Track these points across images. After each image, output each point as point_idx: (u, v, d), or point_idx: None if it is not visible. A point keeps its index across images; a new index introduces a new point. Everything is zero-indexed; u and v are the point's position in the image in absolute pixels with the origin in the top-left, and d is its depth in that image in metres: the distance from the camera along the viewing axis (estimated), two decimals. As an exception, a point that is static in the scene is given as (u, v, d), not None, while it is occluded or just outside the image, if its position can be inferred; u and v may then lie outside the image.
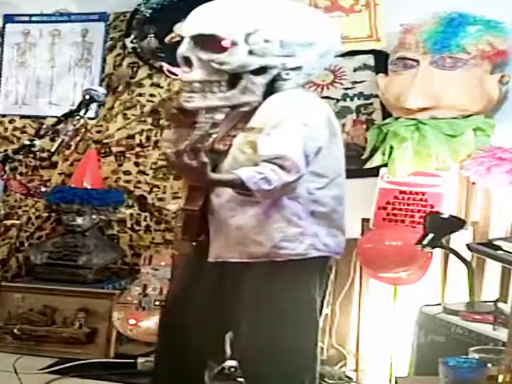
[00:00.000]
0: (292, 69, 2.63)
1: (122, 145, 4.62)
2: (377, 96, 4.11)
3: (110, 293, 4.32)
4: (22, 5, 4.80)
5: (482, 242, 3.21)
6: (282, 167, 2.44)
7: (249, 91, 2.61)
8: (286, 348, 2.63)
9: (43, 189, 4.63)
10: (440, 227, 3.30)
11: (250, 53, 2.59)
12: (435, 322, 3.14)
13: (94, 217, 4.50)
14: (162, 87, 4.56)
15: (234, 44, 2.59)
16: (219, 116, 2.46)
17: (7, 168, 4.54)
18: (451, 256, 3.52)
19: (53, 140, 2.76)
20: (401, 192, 3.80)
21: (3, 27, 4.85)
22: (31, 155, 2.84)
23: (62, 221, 4.56)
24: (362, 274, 3.94)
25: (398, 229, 3.75)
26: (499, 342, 2.74)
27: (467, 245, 3.10)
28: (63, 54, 4.76)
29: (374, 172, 3.88)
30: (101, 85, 4.51)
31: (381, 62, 4.07)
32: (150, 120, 4.61)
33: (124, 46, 4.63)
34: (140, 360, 3.97)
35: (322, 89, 4.24)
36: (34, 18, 4.81)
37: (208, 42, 2.62)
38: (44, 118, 4.68)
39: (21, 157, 2.88)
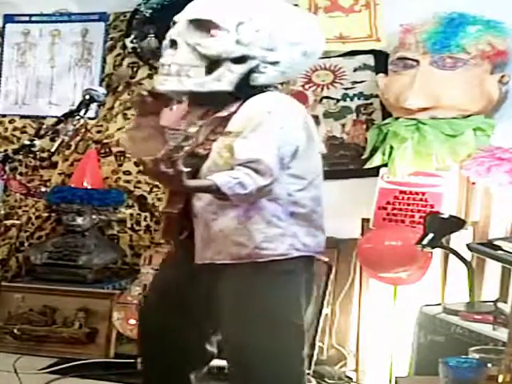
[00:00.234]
0: (271, 63, 2.66)
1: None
2: (377, 96, 4.11)
3: (109, 293, 4.32)
4: (22, 5, 4.80)
5: (482, 242, 3.21)
6: (256, 171, 2.48)
7: (224, 79, 2.63)
8: (268, 348, 2.64)
9: (43, 189, 4.63)
10: (440, 227, 3.30)
11: (237, 42, 2.64)
12: (435, 322, 3.14)
13: (93, 217, 4.50)
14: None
15: (224, 30, 2.63)
16: (192, 129, 2.49)
17: (7, 168, 4.58)
18: (451, 256, 3.53)
19: (53, 140, 2.75)
20: (401, 192, 3.81)
21: (3, 27, 4.85)
22: (31, 155, 2.83)
23: (62, 221, 4.56)
24: (362, 273, 3.94)
25: (398, 229, 3.75)
26: (499, 342, 2.74)
27: (467, 245, 3.10)
28: (63, 54, 4.76)
29: (374, 172, 3.89)
30: (101, 85, 4.51)
31: (381, 61, 4.07)
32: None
33: (124, 46, 4.63)
34: (140, 360, 3.96)
35: (322, 89, 4.24)
36: (33, 18, 4.81)
37: (200, 27, 2.66)
38: (44, 118, 4.68)
39: (21, 157, 2.87)
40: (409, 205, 3.78)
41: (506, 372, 2.07)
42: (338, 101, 4.23)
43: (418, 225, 3.64)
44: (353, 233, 4.00)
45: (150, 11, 4.52)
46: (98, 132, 4.66)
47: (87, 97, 2.80)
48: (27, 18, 4.82)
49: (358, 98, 4.21)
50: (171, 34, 2.70)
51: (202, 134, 2.70)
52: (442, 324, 3.11)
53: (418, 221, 3.70)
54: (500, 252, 2.86)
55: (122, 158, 4.65)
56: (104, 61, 4.70)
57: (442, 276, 3.71)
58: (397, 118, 3.85)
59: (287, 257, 2.67)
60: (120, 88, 4.65)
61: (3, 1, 4.78)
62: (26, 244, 4.75)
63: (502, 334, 2.83)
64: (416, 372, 3.16)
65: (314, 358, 3.92)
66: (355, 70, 4.20)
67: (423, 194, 3.76)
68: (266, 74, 2.67)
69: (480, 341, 2.86)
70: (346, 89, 4.22)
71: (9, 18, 4.84)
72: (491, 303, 3.18)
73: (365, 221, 3.92)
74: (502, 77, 3.78)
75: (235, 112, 2.67)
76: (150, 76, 4.57)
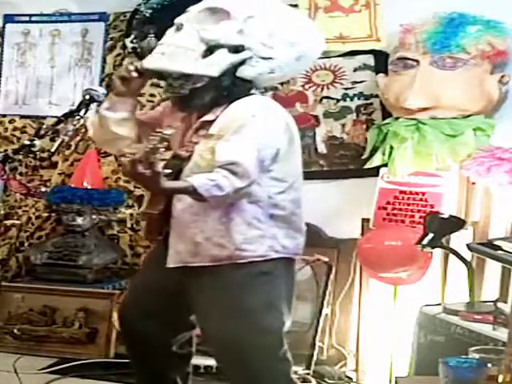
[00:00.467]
0: (264, 58, 2.69)
1: (121, 145, 4.61)
2: (377, 96, 4.11)
3: (109, 293, 4.32)
4: (22, 5, 4.80)
5: (482, 242, 3.21)
6: (233, 173, 2.52)
7: (214, 65, 2.66)
8: (244, 346, 2.69)
9: (43, 189, 4.63)
10: (440, 227, 3.30)
11: (239, 31, 2.68)
12: (435, 322, 3.14)
13: (93, 217, 4.50)
14: (162, 87, 4.54)
15: (234, 20, 2.69)
16: (168, 131, 2.52)
17: (7, 168, 4.59)
18: (451, 256, 3.53)
19: (53, 140, 2.75)
20: (401, 192, 3.81)
21: (3, 27, 4.85)
22: (31, 155, 2.84)
23: (62, 221, 4.56)
24: (362, 273, 3.94)
25: (398, 229, 3.75)
26: (499, 342, 2.74)
27: (467, 245, 3.10)
28: (63, 54, 4.76)
29: (374, 172, 3.89)
30: (101, 85, 4.51)
31: (381, 61, 4.07)
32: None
33: (124, 46, 4.63)
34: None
35: (322, 89, 4.24)
36: (34, 18, 4.81)
37: (211, 16, 2.72)
38: (44, 118, 4.68)
39: (21, 157, 2.88)
40: (409, 205, 3.78)
41: (506, 372, 2.07)
42: (338, 101, 4.23)
43: (418, 225, 3.64)
44: (353, 233, 4.00)
45: (150, 11, 4.51)
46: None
47: (87, 97, 2.81)
48: (27, 18, 4.82)
49: (358, 98, 4.21)
50: (180, 18, 2.75)
51: (184, 135, 2.75)
52: (442, 324, 3.11)
53: (418, 221, 3.70)
54: (500, 252, 2.86)
55: (122, 157, 4.64)
56: (104, 61, 4.70)
57: (442, 276, 3.71)
58: (397, 118, 3.85)
59: (266, 258, 2.71)
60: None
61: (3, 1, 4.78)
62: (26, 244, 4.75)
63: (502, 333, 2.83)
64: (416, 372, 3.16)
65: (314, 357, 3.92)
66: (355, 70, 4.20)
67: (423, 193, 3.76)
68: (255, 68, 2.70)
69: (480, 341, 2.86)
70: (346, 89, 4.22)
71: (9, 18, 4.84)
72: (491, 303, 3.18)
73: (365, 221, 3.92)
74: (502, 77, 3.78)
75: (219, 115, 2.70)
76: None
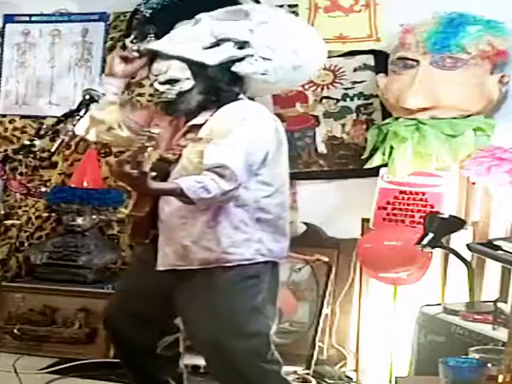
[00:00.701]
0: (263, 58, 2.72)
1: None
2: (377, 96, 4.11)
3: (109, 293, 4.31)
4: (22, 5, 4.80)
5: (482, 242, 3.21)
6: (221, 176, 2.54)
7: (215, 54, 2.71)
8: (232, 351, 2.71)
9: (43, 189, 4.63)
10: (440, 227, 3.30)
11: (250, 30, 2.74)
12: (435, 322, 3.14)
13: (93, 217, 4.50)
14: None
15: (249, 20, 2.76)
16: (155, 130, 2.54)
17: (7, 168, 4.59)
18: (451, 256, 3.52)
19: (53, 140, 2.75)
20: (401, 192, 3.80)
21: (3, 27, 4.84)
22: (31, 155, 2.84)
23: (62, 221, 4.56)
24: (361, 273, 3.94)
25: (398, 229, 3.75)
26: (499, 342, 2.74)
27: (467, 245, 3.10)
28: (63, 54, 4.75)
29: (374, 172, 3.88)
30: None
31: (381, 62, 4.07)
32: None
33: (124, 46, 4.62)
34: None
35: (322, 89, 4.24)
36: (34, 18, 4.80)
37: (233, 16, 2.82)
38: (44, 118, 4.68)
39: (21, 157, 2.88)
40: (409, 205, 3.78)
41: (506, 372, 2.07)
42: (337, 101, 4.23)
43: (418, 225, 3.64)
44: (353, 233, 4.00)
45: (150, 11, 4.51)
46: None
47: (87, 97, 2.81)
48: (27, 18, 4.81)
49: (358, 98, 4.21)
50: (201, 14, 2.84)
51: (172, 138, 2.79)
52: (442, 324, 3.11)
53: (418, 221, 3.69)
54: (500, 252, 2.86)
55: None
56: (104, 61, 4.69)
57: (442, 276, 3.70)
58: (397, 118, 3.85)
59: (252, 261, 2.73)
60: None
61: (3, 1, 4.77)
62: (26, 244, 4.75)
63: (501, 333, 2.83)
64: (416, 372, 3.16)
65: (314, 357, 3.92)
66: (355, 70, 4.20)
67: (423, 193, 3.75)
68: (252, 66, 2.73)
69: (480, 341, 2.86)
70: (346, 89, 4.22)
71: (9, 18, 4.84)
72: (491, 303, 3.17)
73: (365, 221, 3.92)
74: (502, 77, 3.78)
75: (208, 119, 2.73)
76: (150, 76, 4.56)
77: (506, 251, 2.83)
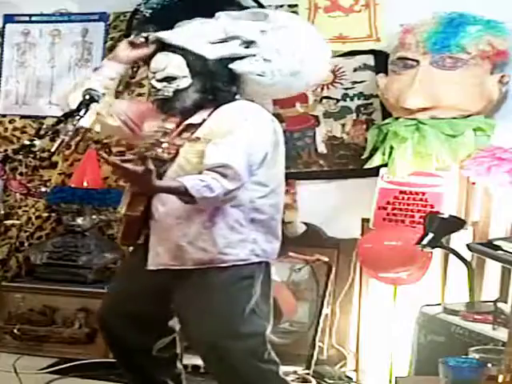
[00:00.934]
0: (264, 59, 2.73)
1: (121, 145, 4.61)
2: (377, 96, 4.11)
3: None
4: (22, 5, 4.79)
5: (482, 242, 3.21)
6: (223, 175, 2.54)
7: (214, 50, 2.72)
8: (228, 352, 2.71)
9: (43, 189, 4.63)
10: (440, 227, 3.30)
11: (263, 32, 2.75)
12: (435, 322, 3.14)
13: (93, 217, 4.50)
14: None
15: (265, 22, 2.78)
16: (170, 125, 2.53)
17: (7, 168, 4.59)
18: (451, 256, 3.52)
19: (53, 140, 2.75)
20: (401, 192, 3.80)
21: (3, 27, 4.84)
22: (31, 155, 2.84)
23: (62, 221, 4.56)
24: (361, 273, 3.94)
25: (398, 229, 3.75)
26: (499, 342, 2.74)
27: (467, 245, 3.10)
28: (63, 54, 4.75)
29: (374, 172, 3.88)
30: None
31: (381, 61, 4.07)
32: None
33: (124, 46, 4.63)
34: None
35: (322, 89, 4.24)
36: (34, 18, 4.80)
37: (251, 17, 2.85)
38: (44, 118, 4.68)
39: (21, 157, 2.88)
40: (409, 205, 3.78)
41: (506, 372, 2.07)
42: (337, 101, 4.23)
43: (418, 225, 3.64)
44: (353, 233, 4.00)
45: (150, 11, 4.51)
46: (98, 132, 4.65)
47: (87, 97, 2.81)
48: (27, 18, 4.81)
49: (358, 98, 4.21)
50: (220, 13, 2.90)
51: (167, 138, 2.76)
52: (442, 324, 3.11)
53: (417, 221, 3.69)
54: (500, 252, 2.86)
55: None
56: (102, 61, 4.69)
57: (442, 276, 3.70)
58: (397, 118, 3.85)
59: (247, 262, 2.73)
60: (120, 88, 4.64)
61: (3, 1, 4.77)
62: (26, 244, 4.75)
63: (501, 333, 2.83)
64: (416, 372, 3.16)
65: (314, 357, 3.92)
66: (355, 70, 4.20)
67: (423, 193, 3.75)
68: (251, 65, 2.73)
69: (480, 341, 2.86)
70: (346, 89, 4.22)
71: (9, 18, 4.84)
72: (491, 303, 3.17)
73: (365, 221, 3.92)
74: (502, 77, 3.78)
75: (206, 119, 2.73)
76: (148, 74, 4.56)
77: (506, 251, 2.83)
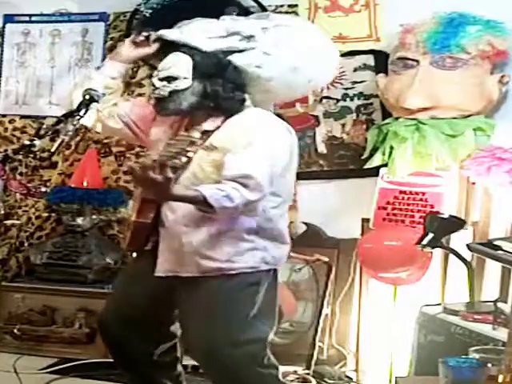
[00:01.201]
0: (263, 52, 2.71)
1: (121, 145, 4.61)
2: (377, 96, 4.11)
3: (109, 293, 4.30)
4: (22, 5, 4.80)
5: (482, 242, 3.21)
6: (244, 185, 2.51)
7: (211, 44, 2.71)
8: (228, 357, 2.69)
9: (43, 189, 4.63)
10: (440, 227, 3.30)
11: (264, 29, 2.74)
12: (435, 322, 3.14)
13: (94, 217, 4.50)
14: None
15: (267, 20, 2.79)
16: (196, 134, 2.51)
17: (7, 168, 4.59)
18: (451, 256, 3.52)
19: (53, 140, 2.75)
20: (401, 192, 3.80)
21: (3, 27, 4.84)
22: (31, 155, 2.84)
23: (62, 221, 4.56)
24: (362, 273, 3.94)
25: (398, 229, 3.75)
26: (499, 342, 2.74)
27: (467, 245, 3.10)
28: (63, 54, 4.75)
29: (374, 172, 3.88)
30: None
31: (381, 61, 4.07)
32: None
33: (124, 46, 4.62)
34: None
35: (322, 89, 4.23)
36: (34, 18, 4.80)
37: (255, 16, 2.91)
38: (44, 118, 4.68)
39: (21, 157, 2.88)
40: (409, 205, 3.78)
41: (506, 372, 2.07)
42: (337, 101, 4.23)
43: (418, 225, 3.64)
44: (353, 233, 4.00)
45: (150, 11, 4.51)
46: (98, 132, 4.65)
47: (87, 97, 2.80)
48: (27, 18, 4.81)
49: (358, 98, 4.21)
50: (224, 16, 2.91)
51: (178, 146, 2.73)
52: (442, 324, 3.11)
53: (418, 221, 3.69)
54: (500, 252, 2.86)
55: (122, 157, 4.65)
56: (104, 61, 4.69)
57: (442, 276, 3.70)
58: (397, 118, 3.85)
59: (256, 269, 2.72)
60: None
61: (3, 1, 4.77)
62: (26, 244, 4.75)
63: (502, 333, 2.83)
64: (416, 372, 3.16)
65: (314, 357, 3.92)
66: (355, 70, 4.20)
67: (423, 193, 3.75)
68: (248, 57, 2.71)
69: (480, 341, 2.86)
70: (346, 89, 4.22)
71: (9, 18, 4.84)
72: (491, 303, 3.18)
73: (365, 221, 3.92)
74: (502, 77, 3.78)
75: (219, 126, 2.69)
76: (150, 76, 4.56)
77: (506, 251, 2.84)
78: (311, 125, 4.28)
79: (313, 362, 3.92)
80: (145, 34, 2.86)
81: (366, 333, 3.94)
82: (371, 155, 3.89)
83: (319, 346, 3.98)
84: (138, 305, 2.83)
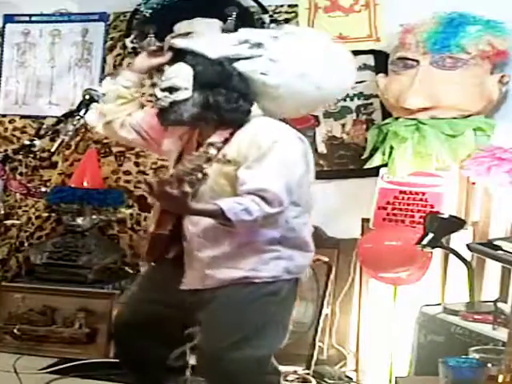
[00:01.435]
0: (270, 59, 2.69)
1: (121, 145, 4.61)
2: (377, 96, 4.11)
3: (109, 293, 4.32)
4: (22, 5, 4.80)
5: (482, 242, 3.21)
6: (263, 198, 2.50)
7: (217, 50, 2.69)
8: (235, 363, 2.66)
9: (43, 189, 4.63)
10: (440, 227, 3.30)
11: (274, 38, 2.72)
12: (435, 322, 3.14)
13: (94, 217, 4.50)
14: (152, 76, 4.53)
15: (279, 29, 2.83)
16: (213, 151, 2.51)
17: (7, 168, 4.59)
18: (451, 256, 3.52)
19: (53, 140, 2.75)
20: (401, 192, 3.80)
21: (3, 27, 4.85)
22: (31, 155, 2.84)
23: (62, 221, 4.56)
24: (361, 273, 3.94)
25: (398, 229, 3.75)
26: (499, 342, 2.74)
27: (467, 245, 3.10)
28: (63, 54, 4.76)
29: (374, 172, 3.88)
30: (101, 85, 4.50)
31: (381, 61, 4.07)
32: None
33: (124, 46, 4.63)
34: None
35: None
36: (34, 18, 4.81)
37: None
38: (44, 118, 4.68)
39: (21, 157, 2.88)
40: (409, 205, 3.78)
41: (506, 372, 2.07)
42: (338, 101, 4.23)
43: (418, 225, 3.63)
44: (353, 233, 4.00)
45: (150, 11, 4.51)
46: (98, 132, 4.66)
47: (87, 97, 2.81)
48: (27, 18, 4.82)
49: (358, 98, 4.21)
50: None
51: (183, 156, 2.71)
52: (442, 324, 3.11)
53: (418, 221, 3.69)
54: (500, 252, 2.86)
55: (122, 158, 4.65)
56: (104, 61, 4.70)
57: (442, 276, 3.70)
58: (397, 118, 3.85)
59: (278, 279, 2.70)
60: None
61: (3, 1, 4.78)
62: (26, 244, 4.76)
63: (501, 333, 2.83)
64: (416, 372, 3.16)
65: (314, 357, 3.93)
66: (355, 70, 4.20)
67: (423, 193, 3.75)
68: (253, 64, 2.68)
69: (480, 341, 2.86)
70: (346, 89, 4.22)
71: (9, 18, 4.84)
72: (491, 303, 3.18)
73: (365, 221, 3.92)
74: (502, 77, 3.78)
75: (229, 139, 2.67)
76: (150, 76, 4.55)
77: (506, 251, 2.84)
78: (311, 125, 4.28)
79: (313, 362, 3.92)
80: (158, 44, 2.85)
81: (366, 333, 3.94)
82: (371, 155, 3.89)
83: (319, 346, 3.98)
84: (155, 310, 2.81)
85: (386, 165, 3.82)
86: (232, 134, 2.68)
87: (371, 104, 4.19)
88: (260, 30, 2.86)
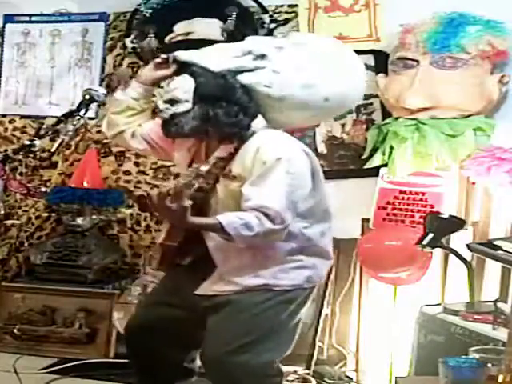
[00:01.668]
0: (273, 71, 2.66)
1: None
2: (377, 96, 4.11)
3: (109, 293, 4.32)
4: (22, 5, 4.80)
5: (482, 242, 3.21)
6: (266, 214, 2.52)
7: (220, 63, 2.66)
8: (241, 367, 2.66)
9: (43, 189, 4.63)
10: (440, 227, 3.30)
11: (279, 48, 2.70)
12: (435, 322, 3.14)
13: (94, 217, 4.50)
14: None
15: (285, 38, 2.81)
16: (204, 168, 2.51)
17: (7, 168, 4.59)
18: (451, 256, 3.52)
19: (53, 140, 2.75)
20: (401, 192, 3.80)
21: (3, 27, 4.85)
22: (31, 155, 2.84)
23: (62, 221, 4.56)
24: (361, 273, 3.94)
25: (398, 229, 3.75)
26: (499, 342, 2.74)
27: (467, 245, 3.10)
28: (63, 54, 4.76)
29: (374, 172, 3.89)
30: (101, 85, 4.51)
31: (381, 61, 4.07)
32: (150, 120, 4.60)
33: (124, 46, 4.63)
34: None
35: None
36: (34, 18, 4.81)
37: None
38: (44, 118, 4.68)
39: (21, 157, 2.88)
40: (409, 205, 3.78)
41: (506, 372, 2.07)
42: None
43: (418, 225, 3.64)
44: (353, 233, 3.99)
45: (150, 11, 4.51)
46: (98, 132, 4.65)
47: (87, 97, 2.81)
48: (27, 18, 4.82)
49: (358, 98, 4.21)
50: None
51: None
52: (442, 324, 3.11)
53: (418, 221, 3.69)
54: (500, 252, 2.86)
55: (122, 158, 4.65)
56: (104, 61, 4.70)
57: (442, 276, 3.70)
58: (397, 118, 3.85)
59: (297, 287, 2.71)
60: (120, 88, 4.63)
61: (3, 1, 4.78)
62: (26, 244, 4.76)
63: (501, 333, 2.83)
64: (416, 372, 3.16)
65: (314, 357, 3.93)
66: (355, 70, 4.20)
67: (423, 193, 3.75)
68: (257, 76, 2.66)
69: (480, 341, 2.86)
70: (346, 89, 4.21)
71: (9, 18, 4.84)
72: (491, 303, 3.18)
73: (365, 221, 3.92)
74: (502, 77, 3.78)
75: (234, 153, 2.66)
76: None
77: (506, 251, 2.84)
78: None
79: (313, 362, 3.92)
80: (164, 56, 2.82)
81: (366, 333, 3.94)
82: (371, 155, 3.89)
83: (319, 346, 3.98)
84: (167, 313, 2.81)
85: (386, 165, 3.82)
86: (237, 150, 2.66)
87: (371, 104, 4.19)
88: (266, 38, 2.82)
